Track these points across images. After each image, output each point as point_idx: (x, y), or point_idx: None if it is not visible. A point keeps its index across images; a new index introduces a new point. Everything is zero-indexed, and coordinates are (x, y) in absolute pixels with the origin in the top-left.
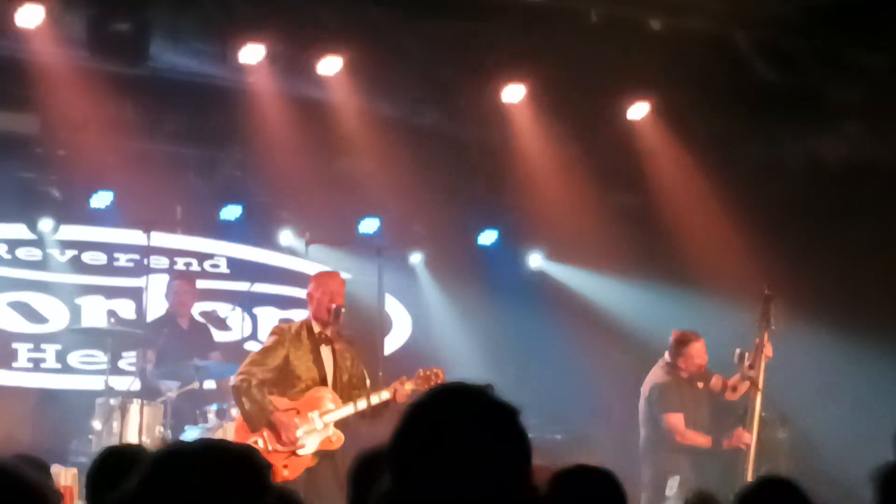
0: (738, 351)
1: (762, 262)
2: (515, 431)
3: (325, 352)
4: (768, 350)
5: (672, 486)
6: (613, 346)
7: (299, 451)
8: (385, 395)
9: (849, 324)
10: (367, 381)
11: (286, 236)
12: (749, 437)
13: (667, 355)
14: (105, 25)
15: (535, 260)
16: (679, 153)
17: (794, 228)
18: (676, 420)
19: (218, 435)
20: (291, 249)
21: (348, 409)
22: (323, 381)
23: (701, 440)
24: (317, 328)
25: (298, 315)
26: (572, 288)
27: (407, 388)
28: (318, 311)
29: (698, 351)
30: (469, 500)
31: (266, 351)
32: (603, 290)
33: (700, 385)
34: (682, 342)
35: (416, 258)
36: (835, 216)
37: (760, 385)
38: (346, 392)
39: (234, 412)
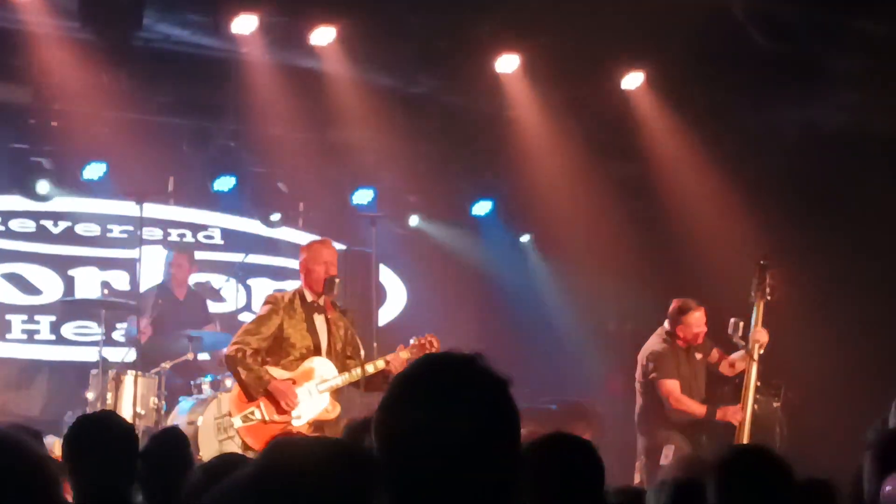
0: (732, 321)
1: (758, 232)
2: (505, 401)
3: (319, 320)
4: (763, 319)
5: (667, 455)
6: (609, 316)
7: (295, 422)
8: (380, 363)
9: (845, 292)
10: (362, 351)
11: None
12: (742, 415)
13: (666, 324)
14: None
15: (527, 229)
16: (674, 123)
17: (791, 198)
18: (672, 385)
19: (212, 405)
20: (284, 222)
21: (343, 379)
22: (317, 350)
23: (695, 408)
24: (310, 297)
25: (292, 286)
26: (566, 258)
27: (402, 357)
28: (311, 280)
29: (697, 320)
30: (457, 472)
31: (260, 320)
32: (597, 259)
33: (699, 356)
34: (681, 311)
35: (410, 228)
36: (831, 185)
37: (755, 355)
38: (341, 361)
39: (229, 383)
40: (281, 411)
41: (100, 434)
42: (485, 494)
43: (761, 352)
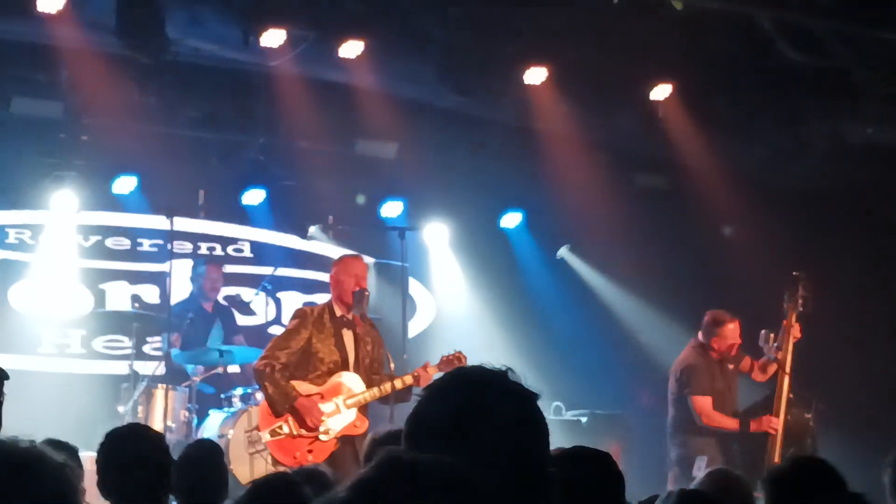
0: (763, 332)
1: (787, 243)
2: (533, 416)
3: (347, 335)
4: (796, 331)
5: (699, 467)
6: (639, 328)
7: (322, 437)
8: (408, 379)
9: (875, 304)
10: (392, 365)
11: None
12: (777, 423)
13: (700, 335)
14: (127, 10)
15: (556, 241)
16: (703, 134)
17: (820, 210)
18: (704, 402)
19: (243, 419)
20: (315, 234)
21: (371, 393)
22: (345, 365)
23: (728, 423)
24: (339, 311)
25: (322, 299)
26: (597, 270)
27: (430, 373)
28: (341, 294)
29: (732, 332)
30: (486, 485)
31: (289, 334)
32: (627, 271)
33: (731, 367)
34: (716, 322)
35: (440, 241)
36: (861, 197)
37: (788, 368)
38: (368, 376)
39: (259, 396)
40: (307, 427)
41: (131, 446)
42: None
43: (797, 337)
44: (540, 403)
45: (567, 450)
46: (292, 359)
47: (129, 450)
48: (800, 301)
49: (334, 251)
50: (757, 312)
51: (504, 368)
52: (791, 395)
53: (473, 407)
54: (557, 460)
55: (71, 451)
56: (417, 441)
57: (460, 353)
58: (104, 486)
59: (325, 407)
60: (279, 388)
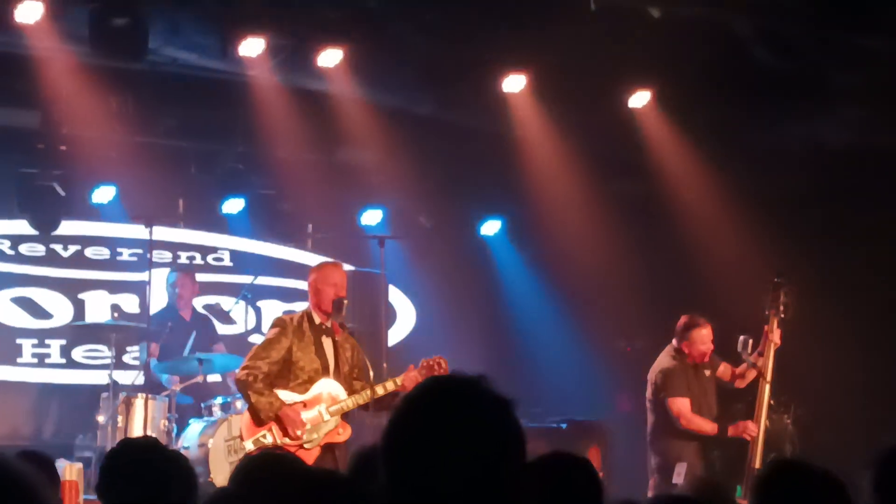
0: (741, 338)
1: (766, 249)
2: (508, 422)
3: (327, 342)
4: (777, 338)
5: (679, 473)
6: (618, 335)
7: (306, 445)
8: (390, 385)
9: (854, 310)
10: (371, 373)
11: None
12: (755, 429)
13: (674, 341)
14: (105, 20)
15: (534, 249)
16: (681, 140)
17: (799, 214)
18: (682, 404)
19: (223, 427)
20: (294, 242)
21: (354, 401)
22: (325, 372)
23: (706, 427)
24: (318, 319)
25: (302, 307)
26: (575, 277)
27: (412, 377)
28: (320, 302)
29: (703, 337)
30: (462, 493)
31: (269, 343)
32: (606, 277)
33: (707, 373)
34: (687, 327)
35: (418, 249)
36: (839, 201)
37: (769, 375)
38: (348, 383)
39: (240, 405)
40: (291, 436)
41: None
42: None
43: (778, 344)
44: (516, 410)
45: (546, 455)
46: (274, 368)
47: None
48: (781, 307)
49: (313, 259)
50: (736, 318)
51: (477, 376)
52: (771, 402)
53: (447, 417)
54: (537, 466)
55: (45, 462)
56: (393, 452)
57: (441, 357)
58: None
59: (308, 415)
60: (262, 397)
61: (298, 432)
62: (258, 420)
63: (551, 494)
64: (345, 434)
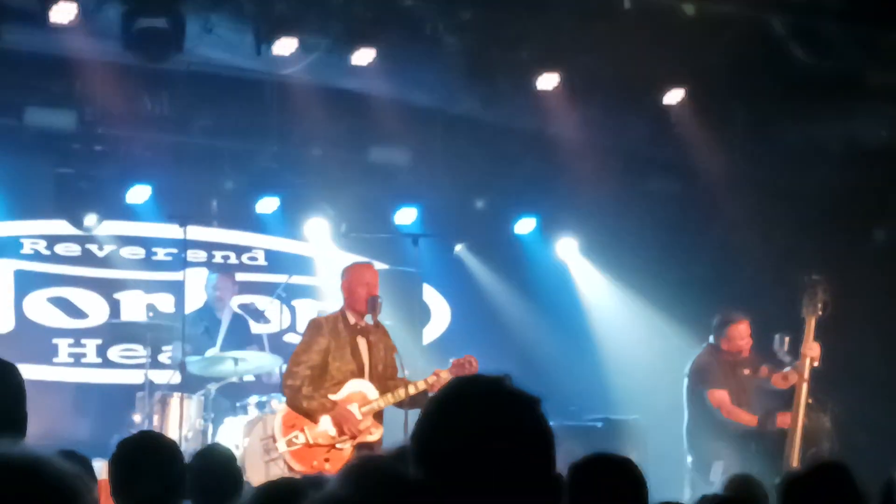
0: (777, 336)
1: (801, 247)
2: (534, 421)
3: (362, 343)
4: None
5: (716, 471)
6: (653, 333)
7: (339, 445)
8: (421, 385)
9: (891, 306)
10: (405, 371)
11: (322, 227)
12: (790, 422)
13: (711, 338)
14: (139, 20)
15: (571, 247)
16: (715, 138)
17: (834, 212)
18: (721, 396)
19: (258, 427)
20: (328, 241)
21: (386, 400)
22: (360, 372)
23: (746, 417)
24: (352, 319)
25: (336, 307)
26: (610, 275)
27: (442, 378)
28: (354, 302)
29: (740, 332)
30: (489, 492)
31: (307, 346)
32: (641, 275)
33: (746, 371)
34: (724, 323)
35: (453, 246)
36: (875, 199)
37: (807, 374)
38: (382, 382)
39: (275, 404)
40: (344, 433)
41: (142, 454)
42: None
43: (815, 365)
44: (542, 408)
45: (588, 457)
46: (315, 370)
47: (140, 457)
48: (819, 306)
49: (348, 259)
50: (772, 318)
51: (501, 375)
52: (809, 400)
53: (470, 416)
54: (579, 467)
55: (82, 461)
56: (422, 453)
57: (471, 356)
58: (118, 494)
59: None
60: (313, 401)
61: (353, 430)
62: (290, 420)
63: (596, 496)
64: (377, 433)
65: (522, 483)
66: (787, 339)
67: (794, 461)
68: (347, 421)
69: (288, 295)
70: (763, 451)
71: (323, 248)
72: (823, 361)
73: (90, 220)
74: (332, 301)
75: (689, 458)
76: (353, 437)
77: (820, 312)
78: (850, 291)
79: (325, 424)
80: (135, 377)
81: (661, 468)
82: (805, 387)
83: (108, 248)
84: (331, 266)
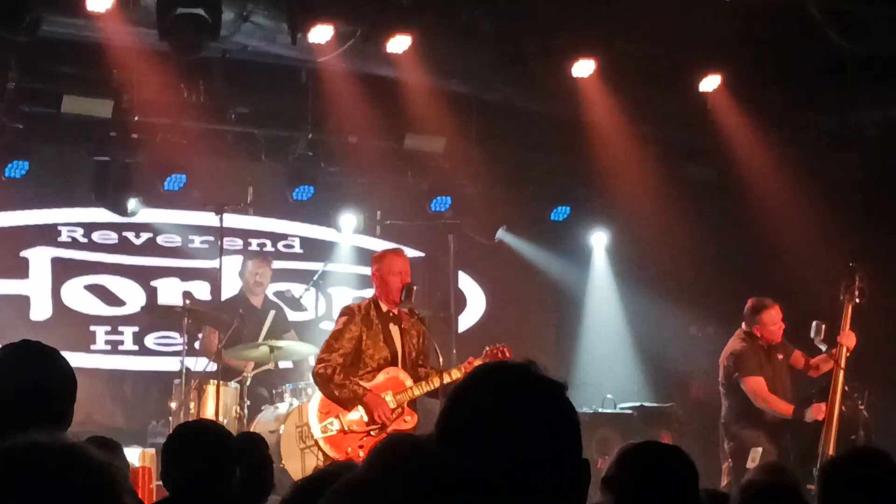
0: (814, 324)
1: (839, 233)
2: (560, 407)
3: (394, 330)
4: (851, 342)
5: (754, 458)
6: (690, 321)
7: (373, 433)
8: (455, 373)
9: None
10: (440, 359)
11: (357, 217)
12: (829, 415)
13: (743, 325)
14: (175, 8)
15: (606, 235)
16: (752, 124)
17: (872, 198)
18: (757, 383)
19: (294, 414)
20: (363, 228)
21: (420, 388)
22: (394, 360)
23: (782, 406)
24: (384, 307)
25: (372, 294)
26: (646, 263)
27: (475, 367)
28: (387, 289)
29: (773, 317)
30: (515, 477)
31: (339, 333)
32: (677, 263)
33: (780, 356)
34: (756, 309)
35: (489, 235)
36: None
37: (843, 362)
38: (414, 370)
39: (311, 391)
40: (376, 421)
41: (196, 440)
42: (549, 500)
43: (848, 355)
44: (567, 394)
45: (638, 444)
46: (347, 358)
47: (192, 444)
48: (856, 293)
49: (383, 246)
50: (808, 303)
51: (527, 361)
52: (845, 388)
53: (497, 402)
54: (629, 454)
55: (114, 449)
56: (445, 441)
57: (504, 346)
58: (167, 478)
59: None
60: (344, 388)
61: (385, 417)
62: (325, 407)
63: (649, 484)
64: (412, 421)
65: (547, 466)
66: (823, 326)
67: (831, 449)
68: (378, 408)
69: (324, 283)
70: (798, 441)
71: (358, 235)
72: (863, 348)
73: (132, 204)
74: (368, 289)
75: (726, 446)
76: (386, 425)
77: (857, 300)
78: (888, 278)
79: (359, 411)
80: (171, 364)
81: (696, 456)
82: (841, 375)
83: (144, 236)
84: (366, 253)
